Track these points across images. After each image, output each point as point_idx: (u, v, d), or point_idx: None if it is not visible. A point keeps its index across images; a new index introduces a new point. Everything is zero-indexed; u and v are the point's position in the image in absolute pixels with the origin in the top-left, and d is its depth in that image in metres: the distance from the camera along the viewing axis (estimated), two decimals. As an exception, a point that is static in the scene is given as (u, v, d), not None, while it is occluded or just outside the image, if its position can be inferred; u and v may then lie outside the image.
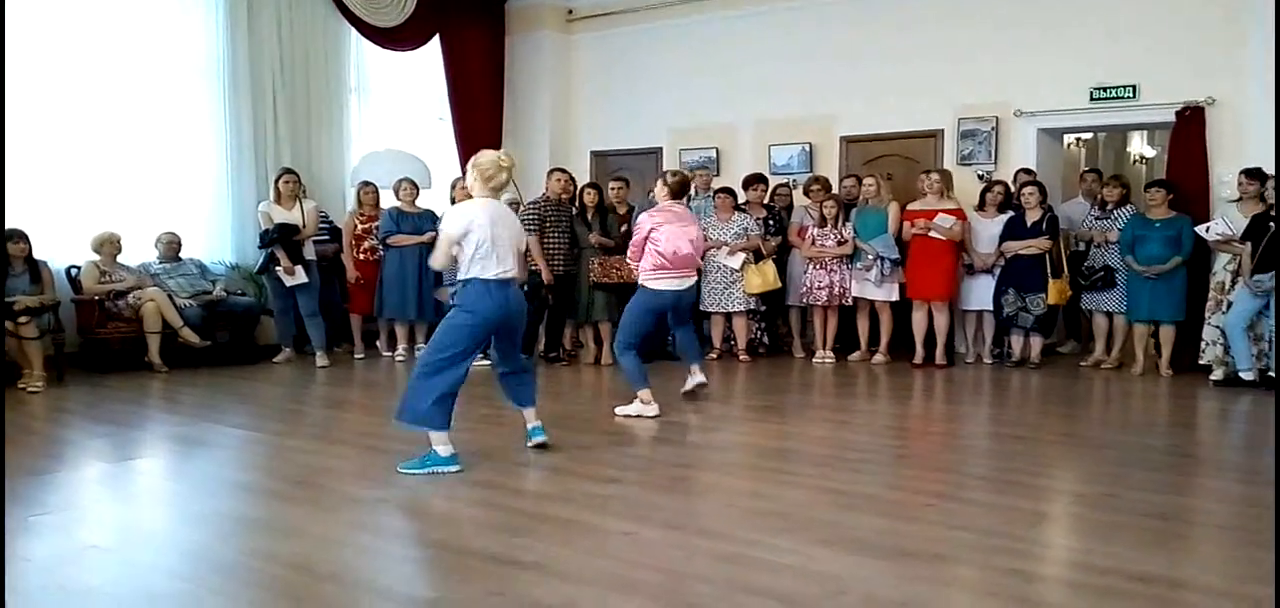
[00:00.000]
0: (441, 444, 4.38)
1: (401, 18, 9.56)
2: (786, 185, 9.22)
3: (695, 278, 6.34)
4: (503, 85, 10.80)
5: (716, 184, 8.99)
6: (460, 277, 4.49)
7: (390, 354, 8.46)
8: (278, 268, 7.82)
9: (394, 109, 10.12)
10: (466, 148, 9.05)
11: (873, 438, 5.53)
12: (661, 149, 10.43)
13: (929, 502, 4.11)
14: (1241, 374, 6.79)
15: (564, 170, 8.51)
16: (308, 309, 8.03)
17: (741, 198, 8.59)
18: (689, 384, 6.35)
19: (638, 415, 5.75)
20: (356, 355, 8.48)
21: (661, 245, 5.89)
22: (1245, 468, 4.90)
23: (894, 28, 9.10)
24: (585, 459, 4.75)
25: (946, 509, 3.98)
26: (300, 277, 7.88)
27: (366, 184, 8.69)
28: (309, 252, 8.08)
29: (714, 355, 8.21)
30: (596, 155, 10.74)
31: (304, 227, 7.97)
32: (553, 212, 8.00)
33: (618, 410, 5.86)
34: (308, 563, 3.28)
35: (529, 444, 4.79)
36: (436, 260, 4.68)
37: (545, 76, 10.84)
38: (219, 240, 8.61)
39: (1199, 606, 2.93)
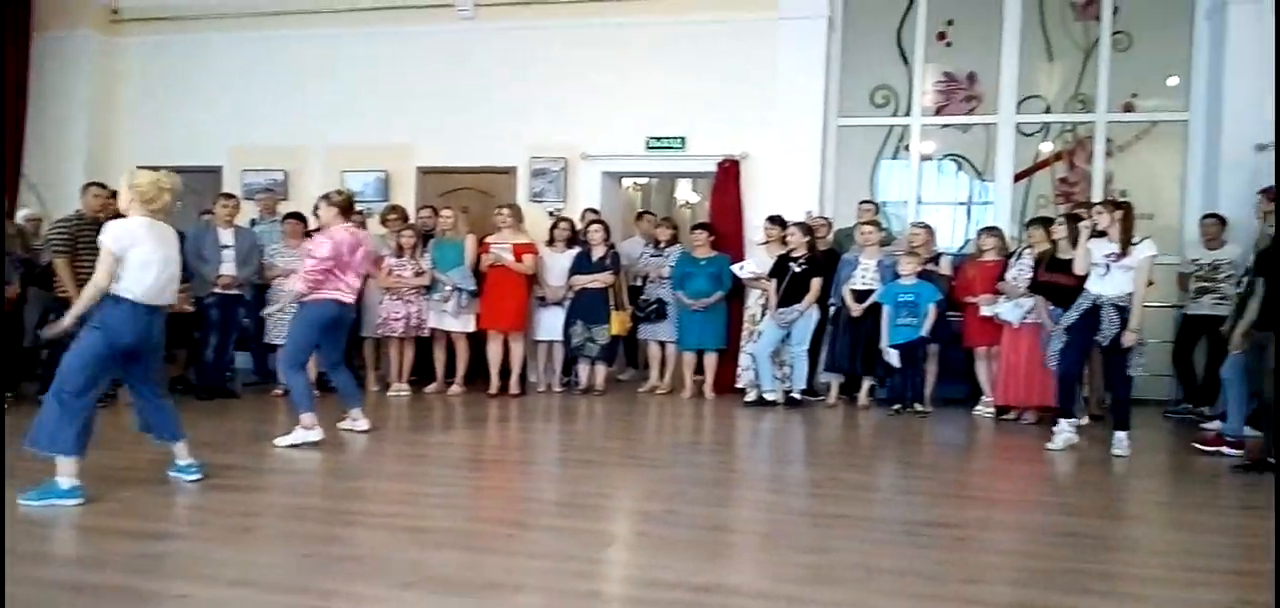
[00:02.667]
0: (67, 475, 4.21)
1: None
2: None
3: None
4: (26, 87, 9.30)
5: (284, 209, 8.48)
6: (112, 292, 4.25)
7: None
8: None
9: None
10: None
11: (451, 471, 5.49)
12: (222, 168, 9.64)
13: (506, 531, 4.15)
14: (766, 396, 7.75)
15: (103, 186, 7.51)
16: None
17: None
18: (357, 426, 6.22)
19: (300, 443, 5.59)
20: None
21: (346, 262, 5.81)
22: (776, 479, 5.58)
23: (471, 66, 9.30)
24: (129, 513, 4.18)
25: (525, 538, 4.05)
26: None
27: None
28: None
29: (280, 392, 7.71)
30: (145, 171, 9.60)
31: None
32: (89, 231, 6.99)
33: (278, 441, 5.63)
34: None
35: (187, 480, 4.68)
36: (99, 280, 4.29)
37: (82, 80, 9.58)
38: None
39: (750, 608, 3.25)
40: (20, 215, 7.66)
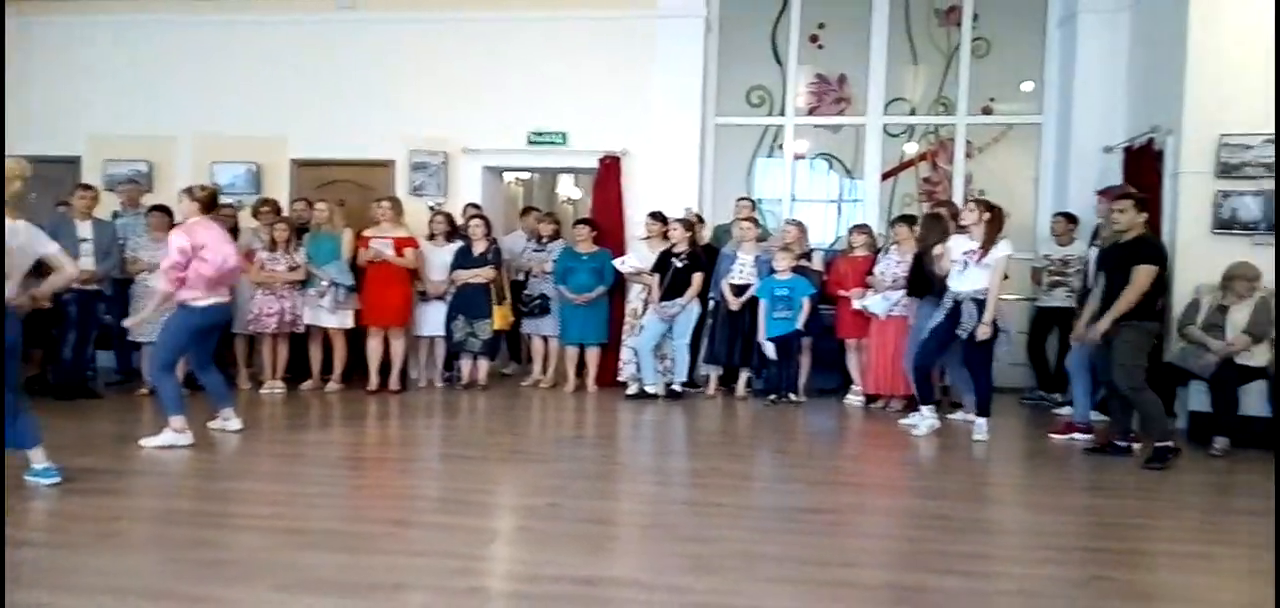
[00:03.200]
0: None
1: None
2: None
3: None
4: None
5: (149, 201, 8.14)
6: None
7: None
8: None
9: None
10: None
11: (329, 470, 5.39)
12: (80, 158, 9.17)
13: (387, 530, 4.12)
14: (648, 389, 7.86)
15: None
16: None
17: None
18: (229, 426, 6.07)
19: (169, 446, 5.42)
20: None
21: (211, 261, 5.56)
22: (657, 471, 5.69)
23: (347, 57, 9.11)
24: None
25: (406, 537, 4.03)
26: None
27: None
28: None
29: (144, 391, 7.41)
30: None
31: None
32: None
33: (144, 442, 5.44)
34: None
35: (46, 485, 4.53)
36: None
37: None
38: None
39: (633, 600, 3.32)
40: None
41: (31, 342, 6.66)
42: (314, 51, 9.12)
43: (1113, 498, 4.99)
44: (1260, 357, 6.27)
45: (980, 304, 6.25)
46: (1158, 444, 5.68)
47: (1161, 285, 5.83)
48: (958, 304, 6.33)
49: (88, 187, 7.77)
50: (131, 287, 7.61)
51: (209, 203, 5.86)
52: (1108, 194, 6.50)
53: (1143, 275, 5.65)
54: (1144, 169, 7.49)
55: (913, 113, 9.30)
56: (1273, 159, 6.74)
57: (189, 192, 5.85)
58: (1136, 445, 5.94)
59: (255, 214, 8.23)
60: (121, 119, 9.16)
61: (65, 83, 9.23)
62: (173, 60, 9.14)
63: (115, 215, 8.22)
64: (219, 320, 5.94)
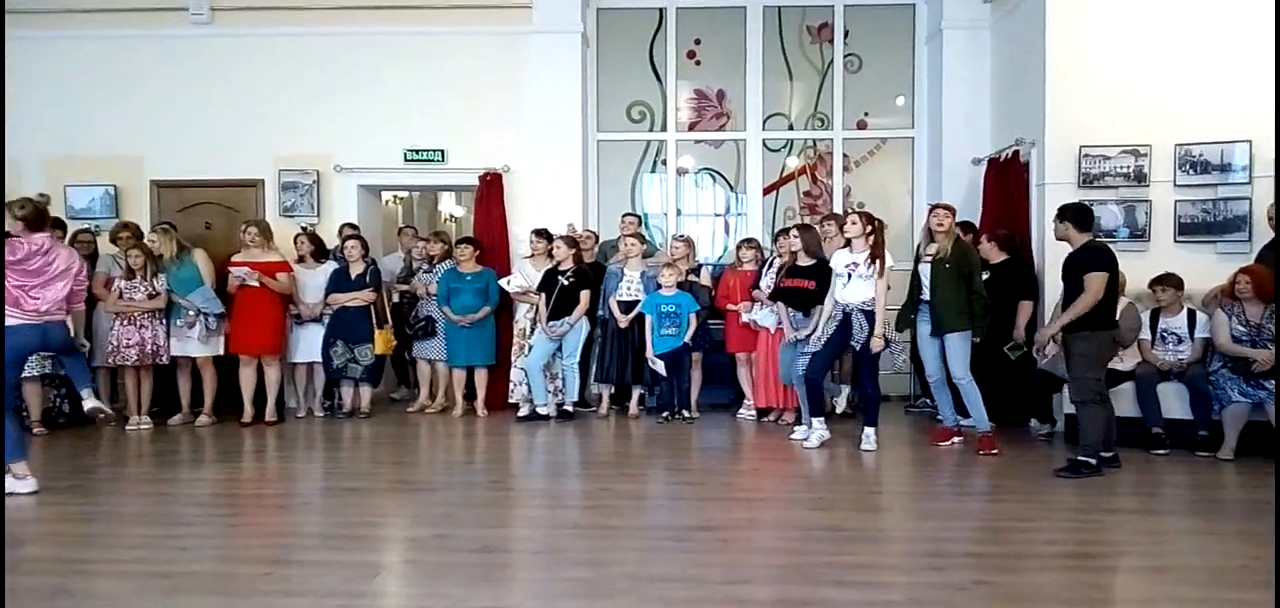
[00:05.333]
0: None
1: None
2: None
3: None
4: None
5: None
6: None
7: None
8: None
9: None
10: None
11: (200, 509, 5.09)
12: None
13: (264, 570, 3.91)
14: (539, 410, 7.74)
15: None
16: None
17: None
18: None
19: (9, 494, 5.03)
20: None
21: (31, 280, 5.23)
22: (550, 494, 5.57)
23: (208, 73, 8.71)
24: None
25: (284, 576, 3.82)
26: None
27: None
28: None
29: None
30: None
31: None
32: None
33: None
34: None
35: None
36: None
37: None
38: None
39: (523, 630, 3.21)
40: None
41: None
42: (171, 66, 8.69)
43: (995, 503, 5.14)
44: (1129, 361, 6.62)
45: (869, 315, 6.37)
46: (1079, 458, 5.70)
47: (1113, 293, 5.77)
48: (847, 316, 6.43)
49: None
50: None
51: (34, 220, 5.40)
52: (937, 209, 6.69)
53: (1096, 282, 5.60)
54: (1011, 180, 7.80)
55: (790, 128, 9.46)
56: (1129, 170, 7.09)
57: (9, 209, 5.40)
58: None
59: (113, 239, 7.77)
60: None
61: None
62: (20, 79, 8.53)
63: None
64: (33, 342, 5.41)
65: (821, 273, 6.84)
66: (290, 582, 3.74)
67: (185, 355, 7.54)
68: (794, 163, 9.50)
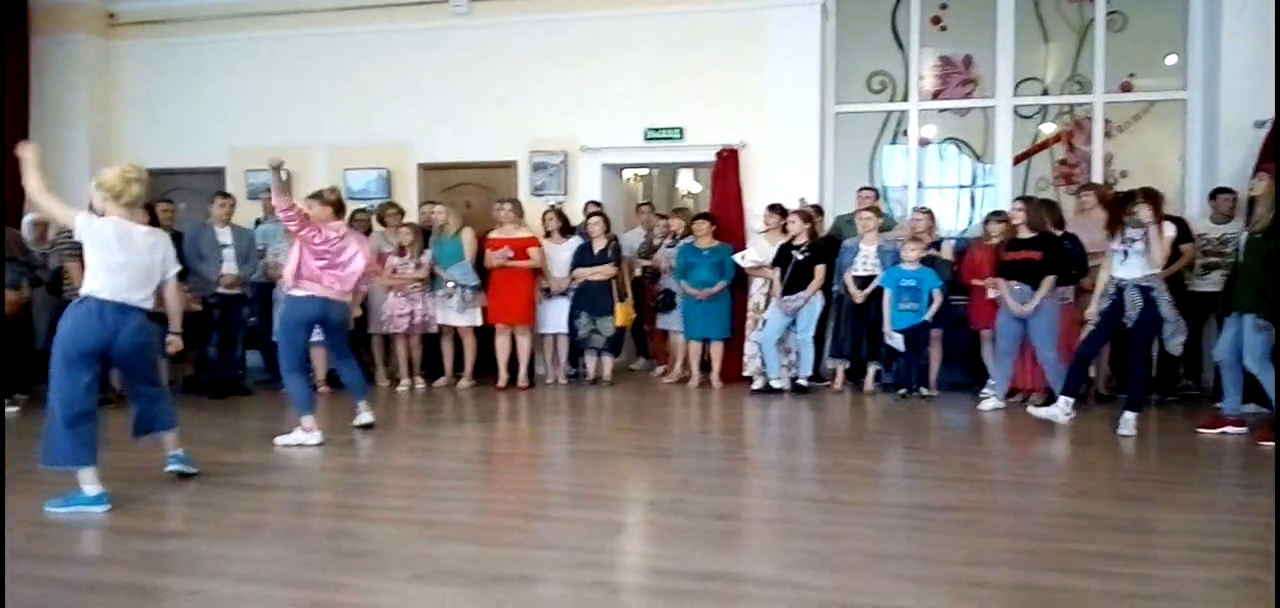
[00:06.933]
0: (89, 483, 4.25)
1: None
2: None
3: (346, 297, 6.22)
4: (27, 91, 9.36)
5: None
6: (82, 292, 4.26)
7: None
8: None
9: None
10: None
11: (460, 463, 5.55)
12: (224, 169, 9.68)
13: (515, 523, 4.20)
14: (773, 383, 7.78)
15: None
16: None
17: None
18: (359, 420, 6.27)
19: (299, 444, 5.63)
20: None
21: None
22: (783, 467, 5.62)
23: (466, 62, 9.31)
24: (139, 512, 4.24)
25: (532, 529, 4.09)
26: None
27: None
28: None
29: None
30: (151, 174, 9.65)
31: None
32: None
33: (278, 440, 5.68)
34: None
35: (168, 470, 4.79)
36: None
37: (81, 85, 9.67)
38: None
39: (756, 596, 3.27)
40: (26, 221, 7.71)
41: (188, 343, 7.08)
42: (435, 58, 9.37)
43: (1268, 496, 4.66)
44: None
45: (1144, 291, 5.94)
46: None
47: None
48: (1121, 292, 6.03)
49: (226, 195, 8.20)
50: (274, 290, 7.98)
51: (338, 205, 6.12)
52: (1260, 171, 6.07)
53: None
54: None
55: (1045, 92, 8.90)
56: None
57: (319, 195, 6.13)
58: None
59: (381, 220, 8.54)
60: (260, 131, 9.59)
61: (207, 100, 9.74)
62: (304, 74, 9.52)
63: (258, 223, 8.64)
64: (312, 313, 5.97)
65: (1048, 244, 6.61)
66: (538, 535, 4.00)
67: (448, 324, 8.17)
68: (1048, 129, 8.94)
